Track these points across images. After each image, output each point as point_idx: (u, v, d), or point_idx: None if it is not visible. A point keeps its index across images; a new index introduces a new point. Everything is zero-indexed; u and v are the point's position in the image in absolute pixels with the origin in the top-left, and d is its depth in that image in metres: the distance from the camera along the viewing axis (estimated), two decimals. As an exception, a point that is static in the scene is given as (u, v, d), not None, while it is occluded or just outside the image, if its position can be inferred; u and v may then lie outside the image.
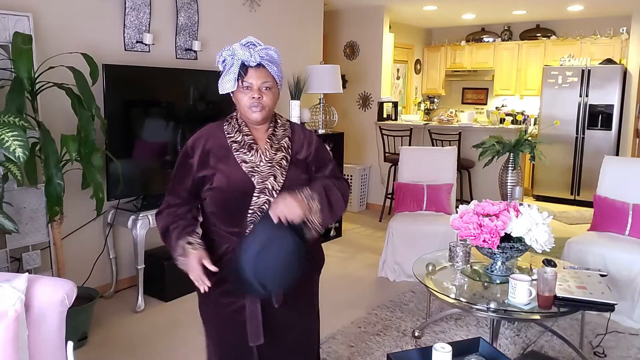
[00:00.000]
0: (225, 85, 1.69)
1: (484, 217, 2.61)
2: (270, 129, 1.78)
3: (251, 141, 1.74)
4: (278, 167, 1.71)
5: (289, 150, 1.77)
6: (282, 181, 1.70)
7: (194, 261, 1.64)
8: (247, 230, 1.68)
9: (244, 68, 1.67)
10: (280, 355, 1.80)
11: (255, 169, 1.70)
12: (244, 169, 1.70)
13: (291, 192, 1.63)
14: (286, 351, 1.81)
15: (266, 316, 1.72)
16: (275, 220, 1.57)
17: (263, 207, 1.68)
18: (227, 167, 1.70)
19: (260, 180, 1.69)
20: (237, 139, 1.74)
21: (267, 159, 1.72)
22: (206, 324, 1.84)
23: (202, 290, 1.64)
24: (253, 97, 1.68)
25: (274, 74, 1.71)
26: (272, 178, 1.70)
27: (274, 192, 1.68)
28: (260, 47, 1.70)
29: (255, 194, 1.68)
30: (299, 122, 4.82)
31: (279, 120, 1.82)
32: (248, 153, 1.72)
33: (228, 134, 1.75)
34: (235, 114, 1.80)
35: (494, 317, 2.55)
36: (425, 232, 4.03)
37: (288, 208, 1.59)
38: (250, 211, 1.69)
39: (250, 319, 1.70)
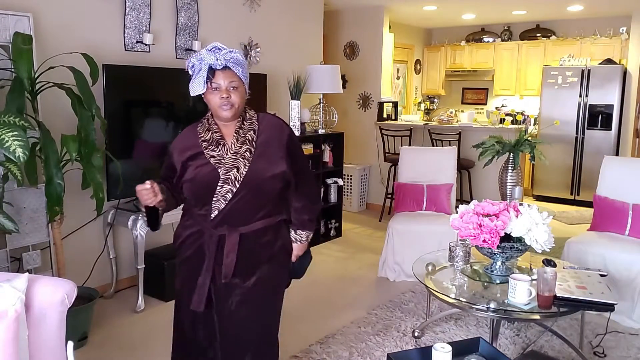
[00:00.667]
0: (196, 88, 1.86)
1: (484, 217, 2.61)
2: (238, 124, 1.95)
3: (219, 137, 1.94)
4: (242, 159, 1.89)
5: (254, 143, 1.93)
6: (244, 172, 1.88)
7: (145, 183, 1.84)
8: (212, 215, 1.91)
9: (211, 71, 1.84)
10: (235, 323, 1.98)
11: (222, 161, 1.90)
12: (212, 163, 1.90)
13: (295, 247, 2.10)
14: (241, 322, 1.99)
15: (216, 288, 1.95)
16: (294, 260, 2.13)
17: (226, 195, 1.89)
18: (197, 163, 1.92)
19: (225, 172, 1.88)
20: (207, 138, 1.95)
21: (232, 152, 1.91)
22: (180, 284, 2.07)
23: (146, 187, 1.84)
24: (222, 97, 1.85)
25: (239, 75, 1.87)
26: (235, 170, 1.88)
27: (236, 182, 1.88)
28: (225, 50, 1.85)
29: (219, 184, 1.88)
30: (298, 122, 4.85)
31: (247, 114, 1.98)
32: (216, 149, 1.92)
33: (199, 134, 1.97)
34: (208, 114, 2.00)
35: (493, 317, 2.55)
36: (425, 232, 4.03)
37: (298, 255, 2.14)
38: (214, 199, 1.90)
39: (198, 287, 1.95)
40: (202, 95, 1.90)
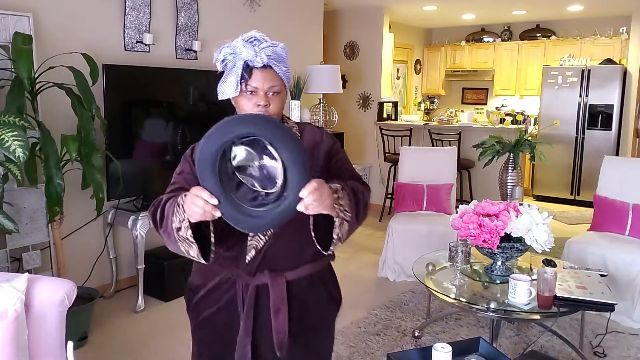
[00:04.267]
0: (226, 89, 1.39)
1: (484, 217, 2.61)
2: None
3: None
4: None
5: None
6: None
7: (193, 190, 1.22)
8: (247, 256, 1.43)
9: (247, 69, 1.37)
10: None
11: None
12: None
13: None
14: None
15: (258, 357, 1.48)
16: (301, 208, 1.22)
17: None
18: None
19: None
20: None
21: None
22: (199, 347, 1.60)
23: (213, 203, 1.21)
24: (259, 105, 1.38)
25: (282, 76, 1.42)
26: None
27: None
28: (266, 43, 1.38)
29: None
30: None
31: (287, 123, 1.52)
32: None
33: None
34: None
35: (494, 317, 2.55)
36: (425, 232, 4.02)
37: (319, 198, 1.22)
38: (251, 233, 1.43)
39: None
40: (231, 98, 1.43)
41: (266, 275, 1.44)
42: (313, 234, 1.38)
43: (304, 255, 1.48)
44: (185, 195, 1.26)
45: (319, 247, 1.39)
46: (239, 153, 1.21)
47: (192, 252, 1.31)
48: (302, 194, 1.19)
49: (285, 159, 1.18)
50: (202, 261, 1.32)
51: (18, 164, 2.39)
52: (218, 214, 1.21)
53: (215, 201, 1.20)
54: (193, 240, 1.29)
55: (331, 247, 1.38)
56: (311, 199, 1.19)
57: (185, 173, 1.47)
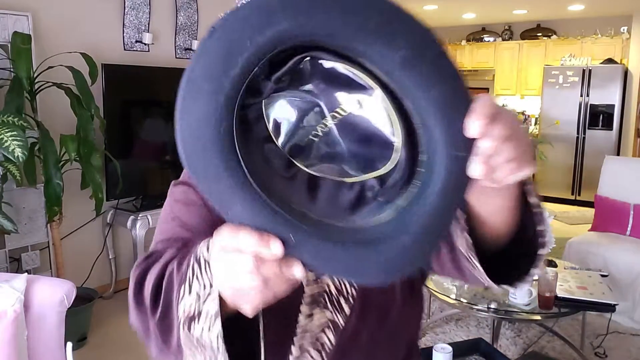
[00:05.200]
0: None
1: (485, 218, 2.60)
2: None
3: None
4: None
5: None
6: None
7: (222, 238, 0.51)
8: None
9: None
10: None
11: None
12: None
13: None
14: None
15: None
16: (477, 169, 0.50)
17: (321, 336, 0.75)
18: None
19: (314, 277, 0.75)
20: None
21: None
22: None
23: (276, 252, 0.47)
24: None
25: None
26: None
27: (341, 298, 0.77)
28: None
29: (304, 308, 0.75)
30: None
31: None
32: None
33: None
34: None
35: (494, 318, 2.54)
36: (425, 232, 4.02)
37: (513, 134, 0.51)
38: (295, 343, 0.75)
39: None
40: None
41: None
42: (468, 249, 0.65)
43: None
44: (207, 247, 0.56)
45: (492, 282, 0.69)
46: (284, 113, 0.54)
47: None
48: (471, 128, 0.51)
49: (396, 64, 0.49)
50: None
51: (17, 164, 2.39)
52: (300, 273, 0.49)
53: (278, 247, 0.48)
54: (224, 348, 0.57)
55: (531, 277, 0.68)
56: (497, 137, 0.50)
57: (191, 206, 0.79)
